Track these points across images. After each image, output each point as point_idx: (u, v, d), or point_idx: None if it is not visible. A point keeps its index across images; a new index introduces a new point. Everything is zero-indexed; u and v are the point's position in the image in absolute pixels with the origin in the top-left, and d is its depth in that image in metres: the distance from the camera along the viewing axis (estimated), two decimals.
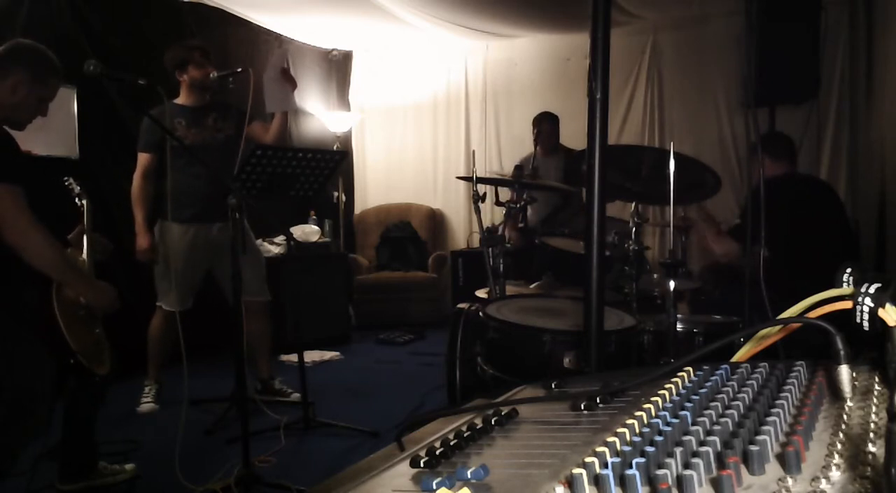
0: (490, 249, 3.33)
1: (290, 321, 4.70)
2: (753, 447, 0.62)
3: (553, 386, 1.02)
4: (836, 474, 0.59)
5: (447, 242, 7.05)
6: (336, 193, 6.62)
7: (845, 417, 0.73)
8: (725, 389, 0.84)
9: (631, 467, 0.60)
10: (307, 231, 5.70)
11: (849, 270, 0.98)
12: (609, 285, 3.22)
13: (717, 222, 3.60)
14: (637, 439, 0.68)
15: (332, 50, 7.03)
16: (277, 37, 6.18)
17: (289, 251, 5.19)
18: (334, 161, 3.46)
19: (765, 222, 2.12)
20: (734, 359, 1.05)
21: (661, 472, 0.59)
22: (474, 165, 3.50)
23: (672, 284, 2.42)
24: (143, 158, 3.73)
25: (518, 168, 4.80)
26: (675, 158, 2.46)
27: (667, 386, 0.87)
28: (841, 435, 0.68)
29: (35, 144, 3.86)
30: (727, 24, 5.61)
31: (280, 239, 5.32)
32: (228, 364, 2.85)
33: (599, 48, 1.74)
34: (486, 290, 3.42)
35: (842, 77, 5.44)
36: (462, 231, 6.99)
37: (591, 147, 1.75)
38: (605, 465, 0.62)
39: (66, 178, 2.92)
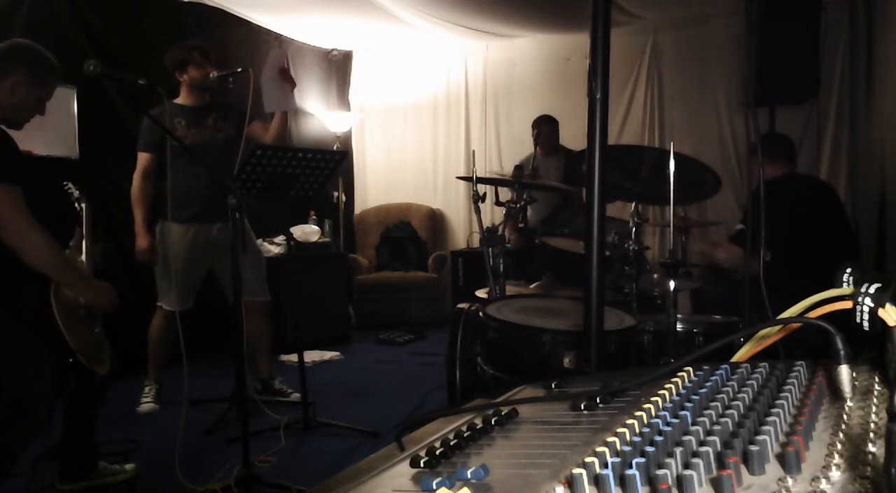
0: (490, 249, 3.33)
1: (290, 321, 4.70)
2: (753, 447, 0.62)
3: (553, 386, 1.02)
4: (836, 474, 0.59)
5: (447, 242, 7.05)
6: (336, 193, 6.62)
7: (845, 417, 0.73)
8: (725, 389, 0.84)
9: (631, 467, 0.60)
10: (307, 231, 5.70)
11: (849, 270, 0.98)
12: (609, 285, 3.22)
13: (717, 240, 3.62)
14: (637, 439, 0.68)
15: (332, 50, 7.03)
16: (277, 37, 6.18)
17: (289, 251, 5.20)
18: (334, 161, 3.46)
19: (765, 224, 2.11)
20: (734, 359, 1.05)
21: (661, 472, 0.59)
22: (474, 165, 3.51)
23: (672, 284, 2.42)
24: (142, 158, 3.73)
25: (518, 168, 4.81)
26: (675, 158, 2.46)
27: (667, 386, 0.87)
28: (841, 435, 0.67)
29: (35, 143, 3.86)
30: (727, 24, 5.61)
31: (280, 239, 5.32)
32: (228, 364, 2.85)
33: (599, 48, 1.74)
34: (486, 290, 3.42)
35: (842, 77, 5.44)
36: (462, 231, 6.99)
37: (591, 147, 1.75)
38: (605, 465, 0.62)
39: (65, 182, 2.92)
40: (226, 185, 2.75)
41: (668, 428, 0.71)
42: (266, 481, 2.59)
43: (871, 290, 0.87)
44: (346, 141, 7.10)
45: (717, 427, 0.69)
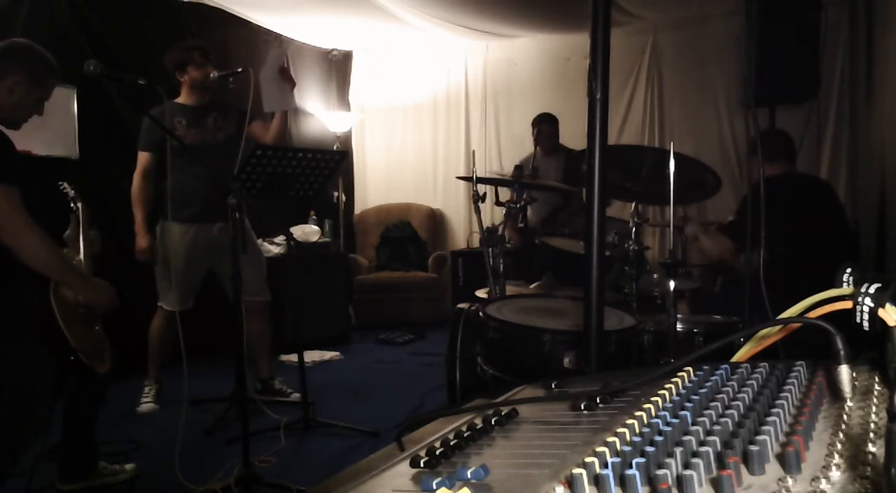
0: (490, 249, 3.33)
1: (290, 321, 4.70)
2: (753, 447, 0.62)
3: (553, 386, 1.02)
4: (836, 474, 0.59)
5: (447, 242, 7.05)
6: (336, 193, 6.62)
7: (845, 417, 0.73)
8: (725, 389, 0.84)
9: (631, 467, 0.60)
10: (307, 231, 5.70)
11: (849, 270, 0.98)
12: (609, 285, 3.22)
13: (708, 225, 3.60)
14: (637, 439, 0.68)
15: (332, 50, 7.03)
16: (277, 37, 6.18)
17: (289, 251, 5.20)
18: (334, 161, 3.46)
19: (763, 222, 2.11)
20: (734, 359, 1.05)
21: (661, 472, 0.59)
22: (474, 165, 3.50)
23: (672, 284, 2.42)
24: (142, 158, 3.73)
25: (518, 168, 4.80)
26: (675, 158, 2.46)
27: (667, 386, 0.87)
28: (841, 435, 0.67)
29: (35, 144, 3.86)
30: (727, 24, 5.61)
31: (280, 239, 5.32)
32: (228, 364, 2.85)
33: (599, 48, 1.74)
34: (486, 290, 3.42)
35: (842, 77, 5.44)
36: (462, 231, 6.99)
37: (591, 147, 1.75)
38: (605, 465, 0.62)
39: (59, 182, 2.91)
40: (226, 185, 2.75)
41: (668, 428, 0.71)
42: (266, 481, 2.59)
43: (871, 290, 0.87)
44: (346, 141, 7.10)
45: (717, 427, 0.69)
